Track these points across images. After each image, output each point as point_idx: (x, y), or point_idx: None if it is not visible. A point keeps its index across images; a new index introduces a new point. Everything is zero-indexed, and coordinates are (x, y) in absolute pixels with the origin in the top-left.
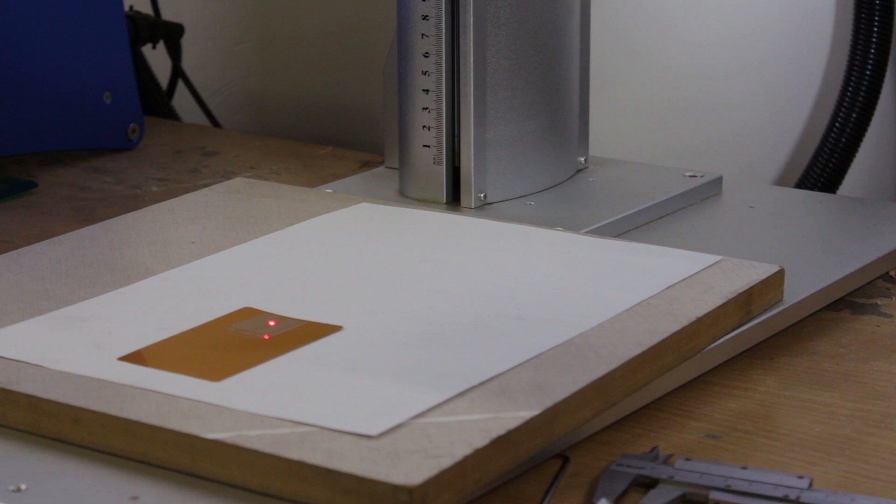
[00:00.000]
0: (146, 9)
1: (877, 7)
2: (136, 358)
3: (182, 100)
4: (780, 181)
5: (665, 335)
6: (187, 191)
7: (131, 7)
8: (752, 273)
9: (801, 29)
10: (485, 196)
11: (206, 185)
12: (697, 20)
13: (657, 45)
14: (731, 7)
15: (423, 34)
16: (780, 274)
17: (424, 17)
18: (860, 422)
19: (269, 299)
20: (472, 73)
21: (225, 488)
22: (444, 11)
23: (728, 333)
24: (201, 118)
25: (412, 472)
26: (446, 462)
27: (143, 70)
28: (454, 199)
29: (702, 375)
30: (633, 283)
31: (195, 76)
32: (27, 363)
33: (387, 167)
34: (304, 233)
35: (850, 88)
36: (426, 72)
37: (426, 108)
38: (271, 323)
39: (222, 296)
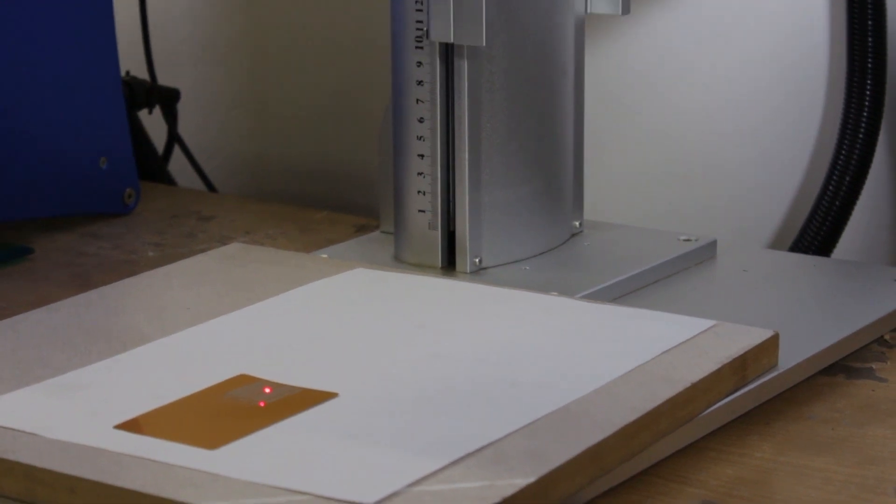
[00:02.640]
0: (142, 74)
1: (869, 71)
2: (132, 426)
3: (178, 164)
4: (775, 244)
5: (660, 401)
6: (183, 256)
7: (128, 72)
8: (747, 338)
9: (794, 93)
10: (480, 261)
11: (202, 250)
12: (691, 84)
13: (651, 109)
14: (724, 71)
15: (417, 99)
16: (775, 339)
17: (419, 83)
18: (856, 487)
19: (265, 366)
20: (466, 139)
21: None
22: (438, 77)
23: (723, 399)
24: (197, 182)
25: None
26: None
27: (139, 135)
28: (449, 264)
29: (697, 441)
30: (629, 349)
31: (191, 141)
32: (23, 432)
33: (382, 232)
34: (299, 299)
35: (843, 152)
36: (421, 137)
37: (421, 173)
38: (267, 390)
39: (218, 363)
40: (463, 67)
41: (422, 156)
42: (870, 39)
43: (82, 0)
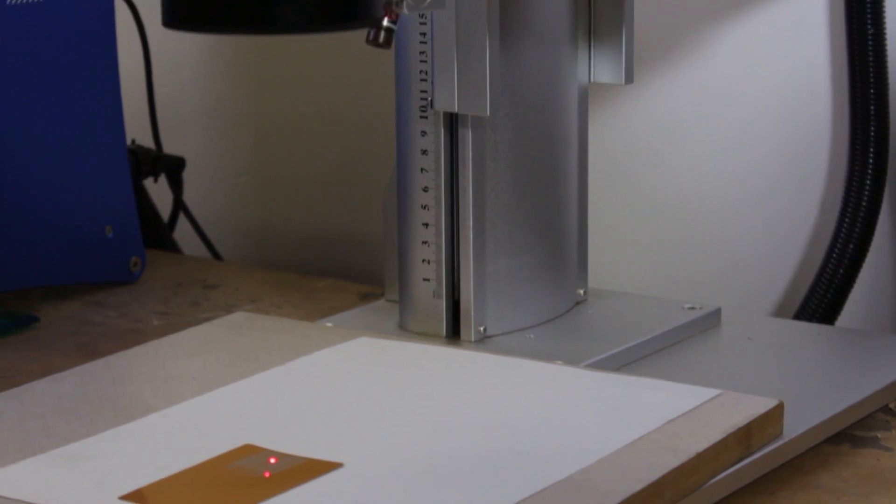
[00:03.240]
0: (148, 142)
1: (871, 140)
2: (137, 497)
3: (183, 232)
4: (779, 312)
5: (665, 470)
6: (189, 324)
7: (133, 141)
8: (752, 407)
9: (797, 162)
10: (485, 329)
11: (207, 319)
12: (695, 153)
13: (654, 178)
14: (728, 140)
15: (422, 168)
16: (780, 408)
17: (424, 152)
18: None
19: (270, 436)
20: (471, 208)
21: None
22: (443, 146)
23: (728, 468)
24: (202, 250)
25: None
26: None
27: (144, 203)
28: (454, 333)
29: None
30: (633, 418)
31: (196, 209)
32: (28, 503)
33: (387, 300)
34: (304, 368)
35: (846, 220)
36: (425, 206)
37: (426, 242)
38: (272, 460)
39: (223, 433)
40: (467, 137)
41: (426, 224)
42: (872, 108)
43: (89, 69)
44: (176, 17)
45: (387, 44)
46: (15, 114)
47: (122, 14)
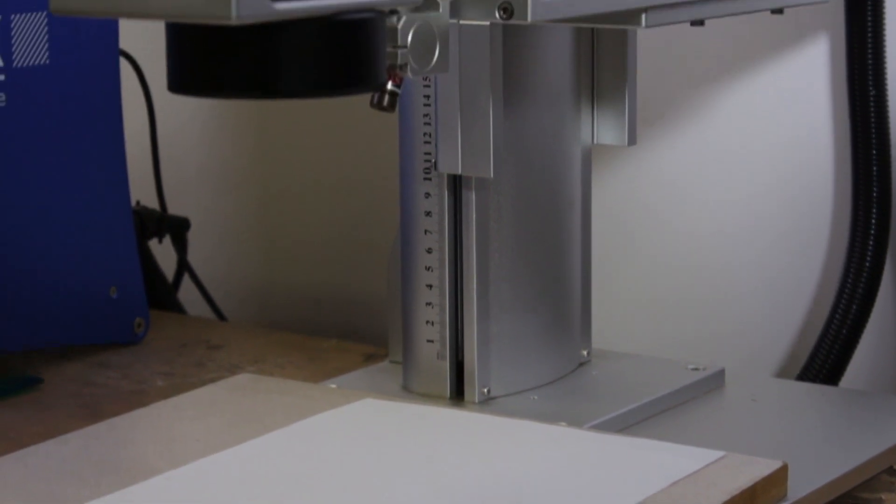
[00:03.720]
0: (153, 203)
1: (874, 201)
2: None
3: (188, 292)
4: (783, 372)
5: None
6: (193, 385)
7: (138, 202)
8: (756, 469)
9: (800, 222)
10: (488, 391)
11: (211, 380)
12: (697, 213)
13: (658, 238)
14: (729, 200)
15: (426, 230)
16: (784, 470)
17: (427, 214)
18: None
19: (274, 498)
20: (474, 269)
21: None
22: (446, 207)
23: None
24: (206, 311)
25: None
26: None
27: (149, 264)
28: (458, 394)
29: None
30: (637, 480)
31: (201, 269)
32: None
33: (391, 361)
34: (308, 430)
35: (849, 280)
36: (429, 267)
37: (429, 303)
38: None
39: (227, 495)
40: (471, 198)
41: (430, 286)
42: (874, 169)
43: (94, 130)
44: (181, 81)
45: (391, 107)
46: (20, 175)
47: (128, 75)
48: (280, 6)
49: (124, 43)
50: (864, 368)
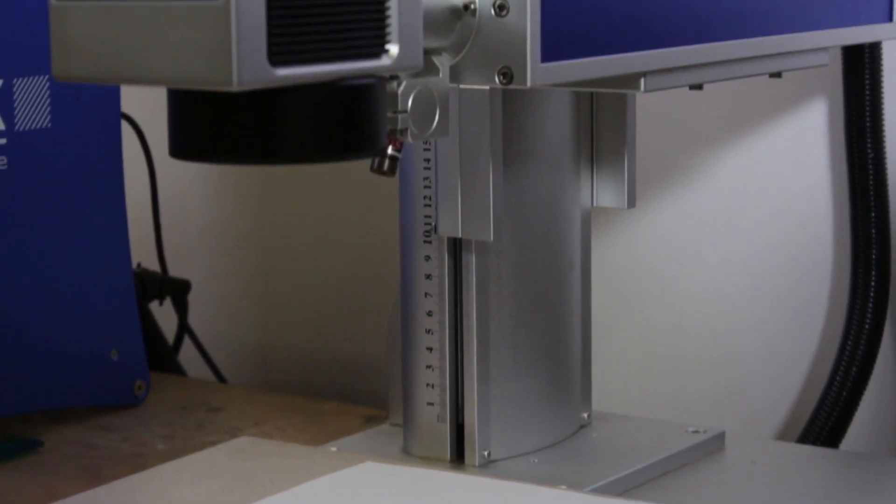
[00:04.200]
0: (154, 265)
1: (874, 262)
2: None
3: (188, 354)
4: (783, 434)
5: None
6: (193, 448)
7: (139, 264)
8: None
9: (800, 283)
10: (489, 454)
11: (211, 442)
12: (697, 274)
13: (658, 299)
14: (729, 261)
15: (426, 293)
16: None
17: (428, 276)
18: None
19: None
20: (475, 332)
21: None
22: (446, 270)
23: None
24: (207, 373)
25: None
26: None
27: (149, 326)
28: (458, 457)
29: None
30: None
31: (201, 331)
32: None
33: (391, 424)
34: (309, 494)
35: (849, 342)
36: (430, 330)
37: (430, 366)
38: None
39: None
40: (471, 261)
41: (430, 349)
42: (873, 231)
43: (95, 193)
44: (182, 147)
45: (391, 172)
46: (21, 237)
47: (129, 138)
48: (282, 72)
49: (126, 105)
50: (864, 430)
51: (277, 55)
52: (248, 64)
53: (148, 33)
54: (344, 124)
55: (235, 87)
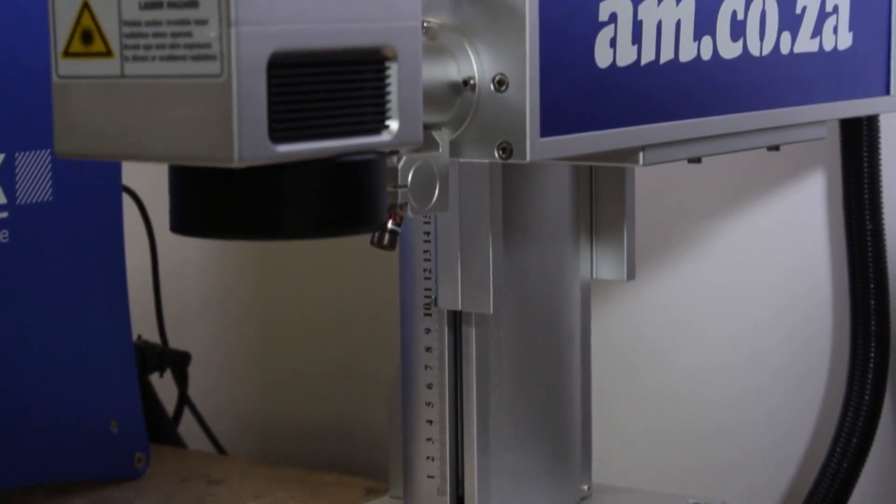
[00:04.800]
0: (154, 337)
1: (873, 334)
2: None
3: (188, 426)
4: None
5: None
6: None
7: (139, 336)
8: None
9: (799, 355)
10: None
11: None
12: (697, 346)
13: (658, 371)
14: (729, 333)
15: (426, 365)
16: None
17: (428, 349)
18: None
19: None
20: (475, 405)
21: None
22: (446, 343)
23: None
24: (207, 444)
25: None
26: None
27: (150, 398)
28: None
29: None
30: None
31: (201, 403)
32: None
33: (391, 496)
34: None
35: (849, 414)
36: (430, 403)
37: (430, 439)
38: None
39: None
40: (471, 334)
41: (430, 421)
42: (872, 302)
43: (96, 266)
44: (183, 223)
45: (391, 246)
46: (23, 309)
47: (130, 210)
48: (282, 149)
49: (127, 178)
50: (865, 502)
51: (278, 132)
52: (249, 141)
53: (149, 110)
54: (344, 200)
55: (236, 164)
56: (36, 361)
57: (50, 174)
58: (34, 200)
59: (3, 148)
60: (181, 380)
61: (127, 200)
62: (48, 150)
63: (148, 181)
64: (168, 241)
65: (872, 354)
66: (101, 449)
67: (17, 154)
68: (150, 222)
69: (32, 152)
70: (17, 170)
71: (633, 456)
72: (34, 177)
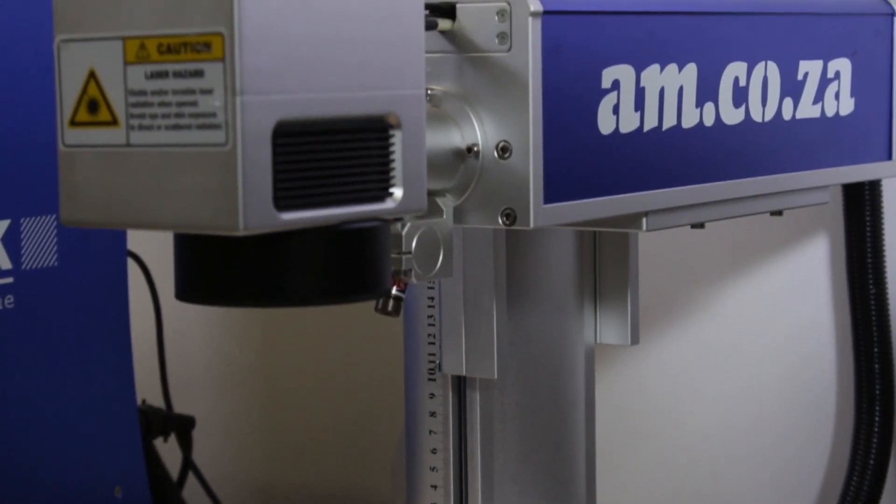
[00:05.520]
0: (158, 401)
1: (877, 397)
2: None
3: (192, 491)
4: None
5: None
6: None
7: (144, 401)
8: None
9: (804, 418)
10: None
11: None
12: (702, 409)
13: (662, 434)
14: (734, 396)
15: (430, 430)
16: None
17: (432, 414)
18: None
19: None
20: (479, 469)
21: None
22: (451, 408)
23: None
24: None
25: None
26: None
27: (154, 463)
28: None
29: None
30: None
31: (206, 467)
32: None
33: None
34: None
35: (854, 477)
36: (434, 468)
37: None
38: None
39: None
40: (475, 399)
41: (435, 486)
42: (876, 366)
43: (101, 331)
44: (189, 290)
45: (395, 312)
46: (27, 374)
47: (135, 275)
48: (287, 216)
49: (132, 243)
50: None
51: (283, 200)
52: (254, 209)
53: (154, 178)
54: (348, 267)
55: (241, 232)
56: (40, 426)
57: (55, 239)
58: (40, 266)
59: (9, 214)
60: (185, 444)
61: (132, 265)
62: (54, 216)
63: (153, 246)
64: (173, 305)
65: (877, 418)
66: None
67: (22, 220)
68: (155, 286)
69: (38, 217)
70: (22, 235)
71: None
72: (40, 242)
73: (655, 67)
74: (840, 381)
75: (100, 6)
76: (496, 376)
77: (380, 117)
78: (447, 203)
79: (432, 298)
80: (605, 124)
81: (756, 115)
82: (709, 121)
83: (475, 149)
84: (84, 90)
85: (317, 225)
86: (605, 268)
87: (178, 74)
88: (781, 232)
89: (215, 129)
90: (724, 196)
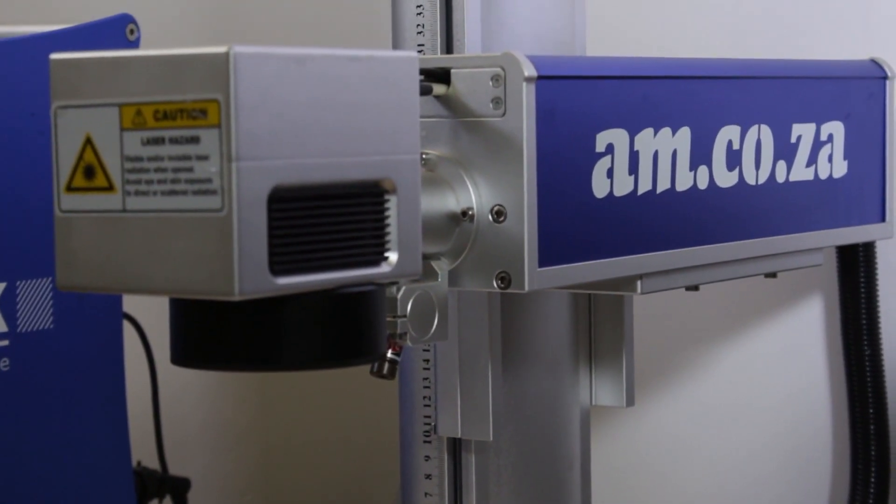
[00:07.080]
0: (154, 463)
1: (873, 459)
2: None
3: None
4: None
5: None
6: None
7: (139, 462)
8: None
9: (799, 479)
10: None
11: None
12: (697, 471)
13: (658, 496)
14: (730, 458)
15: (426, 493)
16: None
17: (428, 476)
18: None
19: None
20: None
21: None
22: (446, 470)
23: None
24: None
25: None
26: None
27: None
28: None
29: None
30: None
31: None
32: None
33: None
34: None
35: None
36: None
37: None
38: None
39: None
40: (471, 461)
41: None
42: (872, 428)
43: (96, 393)
44: (185, 355)
45: (391, 375)
46: (22, 437)
47: (130, 336)
48: (282, 281)
49: (127, 305)
50: None
51: (278, 265)
52: (250, 274)
53: (150, 244)
54: (344, 331)
55: (237, 297)
56: (35, 488)
57: (51, 302)
58: (35, 328)
59: (5, 276)
60: None
61: (127, 327)
62: (49, 279)
63: (148, 307)
64: (168, 366)
65: (873, 479)
66: None
67: (18, 282)
68: (151, 348)
69: (33, 280)
70: (18, 298)
71: None
72: (35, 305)
73: (649, 131)
74: (835, 441)
75: (97, 73)
76: (491, 438)
77: (375, 182)
78: (442, 266)
79: (427, 361)
80: (600, 188)
81: (750, 178)
82: (703, 184)
83: (470, 212)
84: (80, 156)
85: (312, 290)
86: (600, 330)
87: (174, 140)
88: (776, 294)
89: (211, 195)
90: (719, 259)
